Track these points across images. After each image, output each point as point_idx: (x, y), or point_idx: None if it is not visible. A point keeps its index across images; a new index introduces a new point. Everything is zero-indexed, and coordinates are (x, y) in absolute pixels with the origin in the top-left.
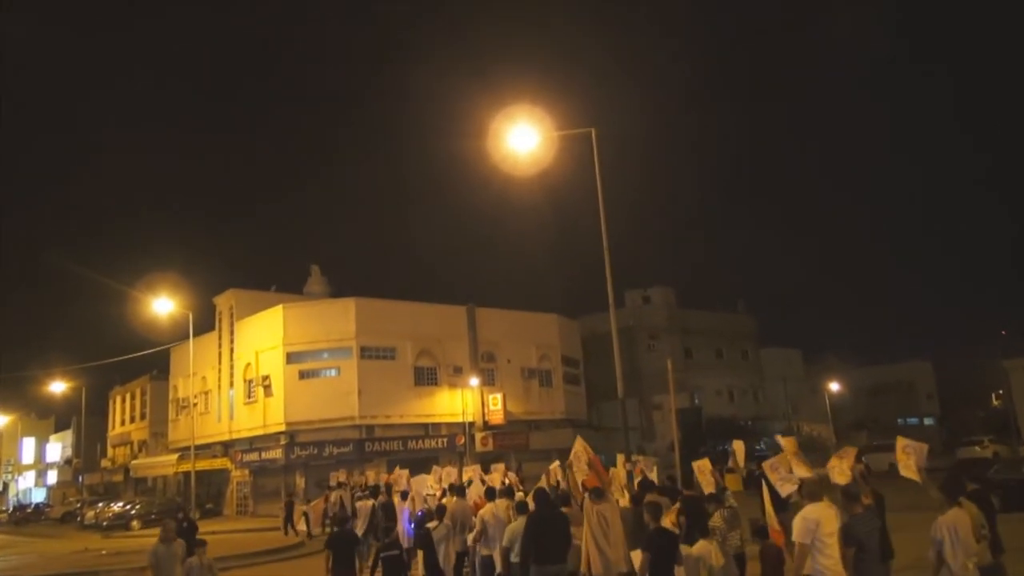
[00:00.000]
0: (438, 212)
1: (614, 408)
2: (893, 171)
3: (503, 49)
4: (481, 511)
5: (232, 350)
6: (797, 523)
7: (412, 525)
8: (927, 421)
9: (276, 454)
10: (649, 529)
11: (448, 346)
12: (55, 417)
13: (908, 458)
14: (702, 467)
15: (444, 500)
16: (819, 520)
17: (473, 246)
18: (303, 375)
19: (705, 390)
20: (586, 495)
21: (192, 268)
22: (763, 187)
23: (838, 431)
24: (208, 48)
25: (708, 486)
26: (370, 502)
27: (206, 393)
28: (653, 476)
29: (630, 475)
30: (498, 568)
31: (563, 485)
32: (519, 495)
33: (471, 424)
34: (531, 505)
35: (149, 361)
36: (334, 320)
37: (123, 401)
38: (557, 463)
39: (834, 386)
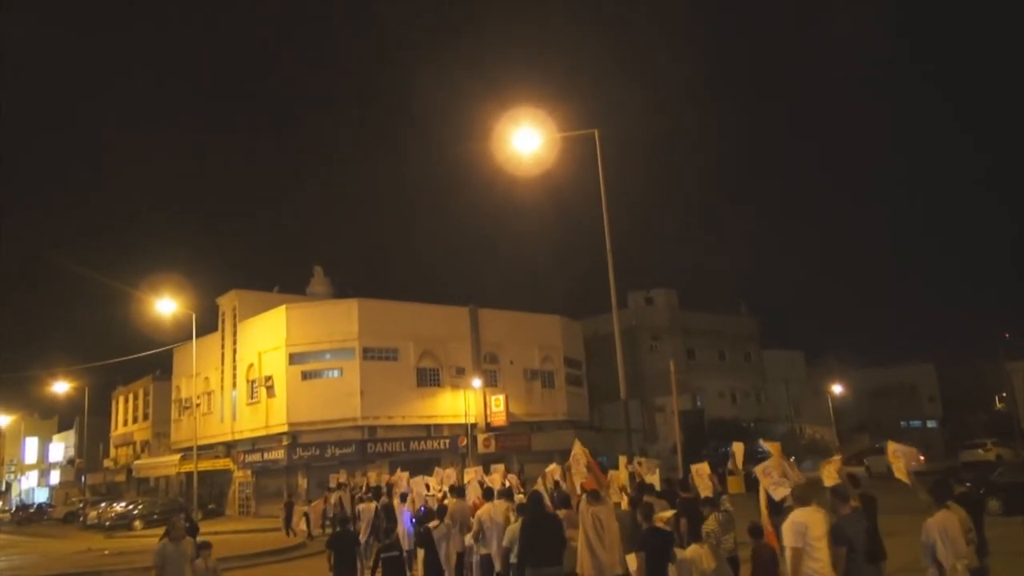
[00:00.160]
0: (441, 213)
1: (616, 409)
2: (893, 171)
3: (506, 51)
4: (478, 512)
5: (235, 351)
6: (786, 528)
7: (414, 523)
8: (930, 424)
9: (278, 455)
10: (642, 530)
11: (451, 347)
12: (58, 417)
13: (899, 461)
14: (700, 470)
15: (445, 501)
16: (807, 524)
17: (476, 247)
18: (306, 376)
19: (707, 392)
20: (583, 497)
21: (195, 269)
22: (764, 188)
23: (840, 433)
24: (209, 48)
25: (705, 489)
26: (373, 504)
27: (209, 393)
28: (654, 479)
29: (632, 477)
30: (497, 567)
31: (563, 486)
32: (519, 497)
33: (473, 425)
34: None
35: (152, 361)
36: (337, 321)
37: (126, 401)
38: (555, 465)
39: (836, 388)
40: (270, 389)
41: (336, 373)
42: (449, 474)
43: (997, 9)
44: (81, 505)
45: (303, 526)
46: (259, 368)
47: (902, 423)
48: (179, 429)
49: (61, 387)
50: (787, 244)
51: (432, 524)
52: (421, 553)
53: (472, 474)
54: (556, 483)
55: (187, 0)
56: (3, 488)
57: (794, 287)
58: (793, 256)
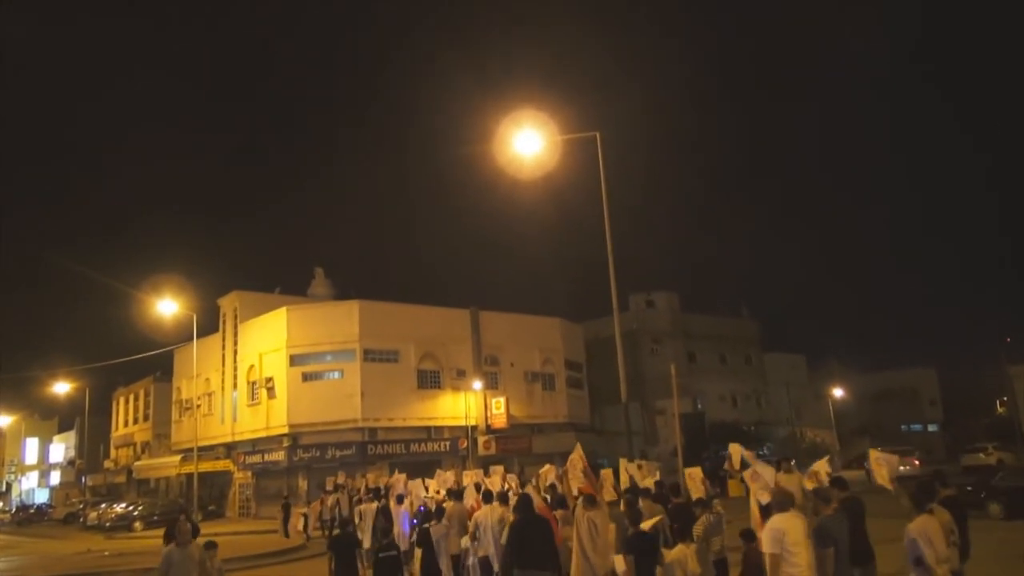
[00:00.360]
0: (442, 215)
1: (617, 412)
2: (893, 171)
3: (507, 52)
4: (476, 514)
5: (236, 352)
6: (765, 534)
7: (415, 523)
8: (931, 428)
9: (279, 456)
10: (628, 533)
11: (451, 349)
12: (59, 418)
13: (881, 468)
14: (693, 474)
15: (443, 504)
16: (785, 530)
17: (477, 249)
18: (306, 377)
19: (708, 395)
20: (579, 501)
21: (196, 270)
22: (765, 190)
23: (841, 437)
24: (210, 48)
25: (697, 492)
26: (374, 505)
27: (209, 395)
28: (648, 482)
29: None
30: (495, 567)
31: (559, 488)
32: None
33: (474, 428)
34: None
35: (153, 362)
36: (337, 322)
37: (127, 402)
38: (549, 466)
39: (837, 392)
40: (271, 390)
41: (337, 375)
42: (448, 477)
43: (997, 9)
44: (81, 506)
45: (301, 527)
46: (260, 369)
47: (903, 427)
48: (180, 430)
49: (62, 388)
50: (788, 247)
51: (431, 525)
52: (418, 553)
53: (471, 477)
54: (552, 485)
55: (187, 0)
56: (3, 489)
57: (795, 290)
58: (794, 259)
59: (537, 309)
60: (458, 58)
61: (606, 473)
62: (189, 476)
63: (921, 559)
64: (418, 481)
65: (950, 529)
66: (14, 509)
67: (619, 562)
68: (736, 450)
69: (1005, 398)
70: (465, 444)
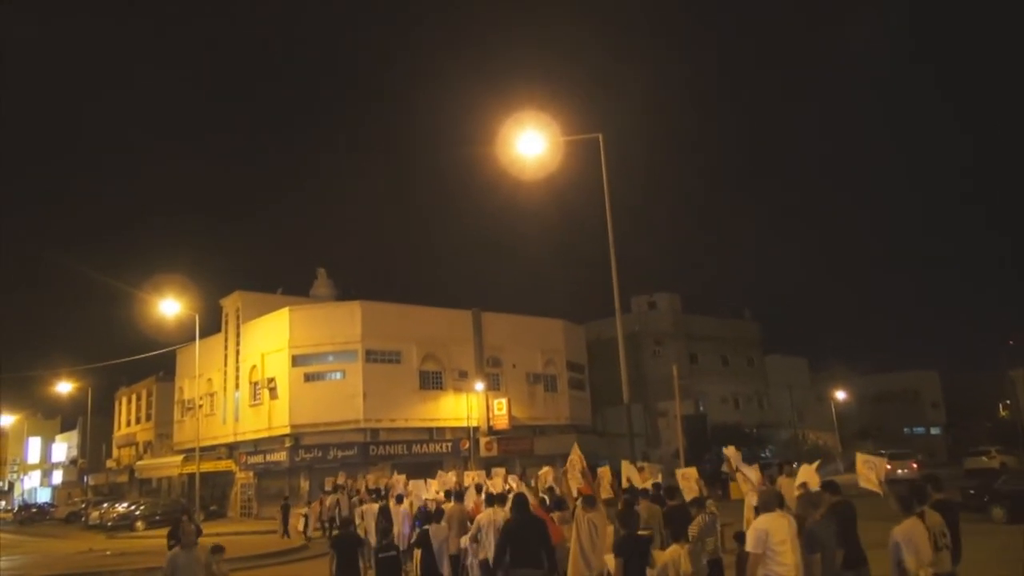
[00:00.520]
0: (445, 216)
1: (619, 414)
2: (894, 172)
3: (510, 54)
4: (478, 516)
5: (238, 352)
6: (749, 534)
7: (418, 524)
8: (933, 430)
9: (281, 456)
10: (619, 535)
11: (453, 350)
12: (61, 417)
13: (869, 472)
14: (687, 474)
15: (443, 504)
16: (769, 530)
17: (479, 250)
18: (308, 378)
19: (710, 397)
20: (578, 503)
21: (199, 270)
22: (767, 191)
23: (843, 439)
24: (213, 48)
25: (691, 492)
26: (377, 505)
27: (212, 395)
28: (648, 484)
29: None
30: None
31: (558, 490)
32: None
33: (476, 429)
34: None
35: (155, 362)
36: (340, 323)
37: (129, 402)
38: (548, 468)
39: (840, 394)
40: (273, 391)
41: (339, 375)
42: (450, 478)
43: (998, 10)
44: (83, 505)
45: (301, 527)
46: (262, 370)
47: (905, 429)
48: (182, 430)
49: (64, 387)
50: (790, 248)
51: (430, 526)
52: (417, 553)
53: (473, 478)
54: (550, 488)
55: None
56: (6, 488)
57: (797, 292)
58: (796, 260)
59: (539, 310)
60: (459, 58)
61: (603, 471)
62: (191, 476)
63: (901, 562)
64: (421, 482)
65: (942, 532)
66: (16, 508)
67: (609, 560)
68: (732, 453)
69: (1008, 401)
70: (467, 445)
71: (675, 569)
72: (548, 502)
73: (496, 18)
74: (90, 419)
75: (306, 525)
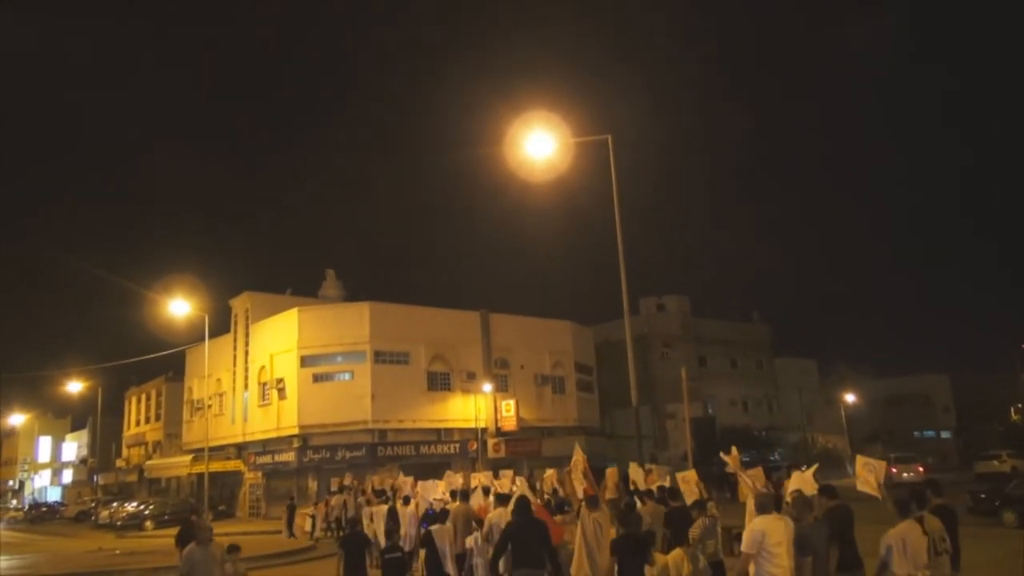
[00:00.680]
0: (453, 217)
1: (627, 416)
2: (895, 173)
3: (519, 55)
4: (489, 515)
5: (247, 352)
6: (745, 534)
7: (424, 525)
8: (944, 434)
9: (289, 457)
10: (619, 534)
11: (462, 351)
12: (71, 417)
13: (868, 475)
14: (687, 477)
15: (448, 505)
16: (765, 531)
17: (487, 252)
18: (317, 378)
19: (719, 399)
20: (583, 504)
21: (208, 271)
22: (776, 193)
23: (853, 443)
24: (218, 49)
25: (691, 495)
26: (386, 506)
27: (220, 395)
28: (654, 486)
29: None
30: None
31: (561, 491)
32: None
33: (484, 430)
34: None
35: (165, 362)
36: (348, 324)
37: (138, 402)
38: (552, 470)
39: (850, 397)
40: (281, 391)
41: (347, 376)
42: (457, 479)
43: (1000, 12)
44: (93, 504)
45: (308, 528)
46: (271, 370)
47: (916, 433)
48: (191, 430)
49: (75, 387)
50: (800, 251)
51: (434, 527)
52: (422, 554)
53: (480, 479)
54: (554, 490)
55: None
56: (16, 487)
57: (806, 294)
58: (805, 263)
59: (547, 312)
60: (465, 59)
61: (611, 472)
62: (200, 476)
63: (887, 565)
64: (431, 482)
65: (941, 537)
66: (27, 507)
67: (604, 558)
68: (730, 458)
69: (1020, 405)
70: (475, 446)
71: (676, 570)
72: (552, 503)
73: (501, 19)
74: (100, 419)
75: (313, 525)
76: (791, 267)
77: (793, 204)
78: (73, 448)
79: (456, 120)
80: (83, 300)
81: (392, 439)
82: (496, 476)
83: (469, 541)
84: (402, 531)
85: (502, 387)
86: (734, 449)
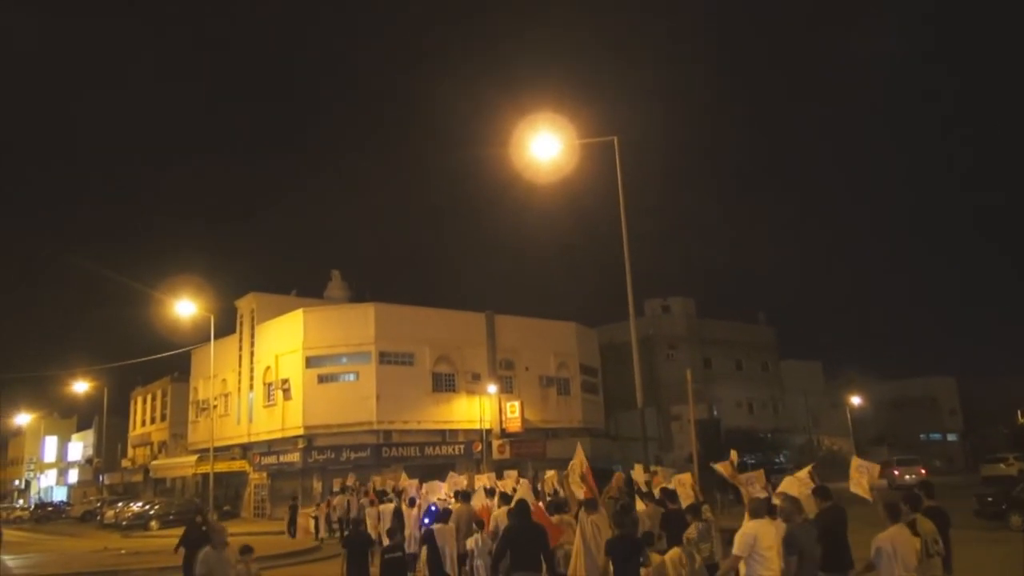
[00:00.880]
0: (459, 218)
1: (632, 418)
2: (913, 181)
3: (525, 56)
4: (495, 513)
5: (252, 353)
6: (737, 537)
7: (423, 521)
8: (950, 437)
9: (294, 457)
10: (614, 536)
11: (466, 353)
12: (77, 417)
13: (861, 477)
14: (682, 480)
15: (451, 505)
16: (756, 535)
17: (493, 253)
18: (322, 379)
19: (724, 401)
20: (581, 506)
21: (214, 271)
22: (783, 194)
23: (859, 445)
24: (222, 49)
25: (686, 498)
26: (391, 506)
27: (226, 395)
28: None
29: (648, 484)
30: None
31: (561, 493)
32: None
33: (488, 431)
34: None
35: (170, 363)
36: (353, 325)
37: (144, 402)
38: (553, 472)
39: (855, 400)
40: (286, 392)
41: (352, 377)
42: (461, 480)
43: (1001, 12)
44: (98, 504)
45: (312, 528)
46: (276, 371)
47: (922, 436)
48: (196, 430)
49: (81, 387)
50: (806, 253)
51: (436, 527)
52: (424, 552)
53: (484, 480)
54: (555, 490)
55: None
56: (22, 486)
57: (812, 296)
58: (811, 264)
59: (552, 313)
60: (474, 60)
61: (617, 476)
62: (205, 476)
63: (876, 568)
64: (434, 483)
65: (934, 539)
66: (32, 507)
67: (602, 560)
68: (722, 467)
69: None
70: (479, 448)
71: (674, 570)
72: (551, 505)
73: (507, 21)
74: (106, 419)
75: (316, 526)
76: (797, 268)
77: (796, 205)
78: (79, 448)
79: (462, 121)
80: (89, 300)
81: (397, 440)
82: (500, 477)
83: (470, 543)
84: (407, 532)
85: (507, 388)
86: (732, 454)
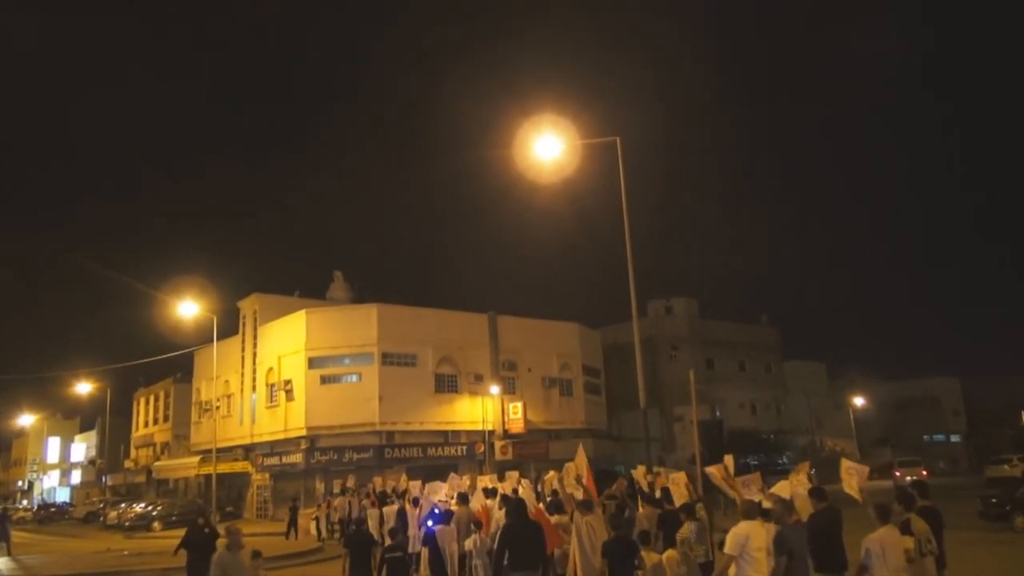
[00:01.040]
0: (462, 219)
1: (635, 418)
2: (913, 181)
3: (527, 57)
4: (495, 515)
5: (255, 354)
6: (729, 537)
7: (423, 521)
8: (953, 438)
9: (296, 458)
10: (611, 536)
11: (469, 354)
12: (80, 418)
13: (851, 478)
14: (676, 480)
15: (452, 507)
16: (748, 535)
17: (495, 253)
18: (324, 380)
19: (727, 402)
20: (576, 507)
21: (216, 272)
22: (785, 195)
23: (862, 446)
24: (225, 50)
25: (680, 498)
26: (396, 507)
27: (229, 396)
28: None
29: (651, 486)
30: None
31: (561, 494)
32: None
33: (491, 432)
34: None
35: (173, 364)
36: (356, 326)
37: (147, 403)
38: (554, 473)
39: (858, 401)
40: (289, 393)
41: (355, 378)
42: (464, 481)
43: (1001, 12)
44: (101, 505)
45: (313, 530)
46: (278, 372)
47: (925, 437)
48: (199, 431)
49: (84, 388)
50: (806, 253)
51: (438, 527)
52: (425, 552)
53: (486, 482)
54: (554, 491)
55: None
56: (25, 487)
57: (815, 297)
58: (812, 265)
59: (555, 314)
60: (476, 61)
61: (619, 483)
62: (207, 477)
63: (867, 568)
64: (436, 484)
65: (927, 539)
66: (35, 507)
67: (598, 560)
68: (713, 470)
69: None
70: (482, 449)
71: (671, 570)
72: (550, 505)
73: (510, 21)
74: (108, 420)
75: (318, 527)
76: (797, 269)
77: (796, 205)
78: (82, 449)
79: (463, 121)
80: (92, 301)
81: (399, 441)
82: (501, 478)
83: (469, 543)
84: (410, 532)
85: (509, 389)
86: (728, 459)
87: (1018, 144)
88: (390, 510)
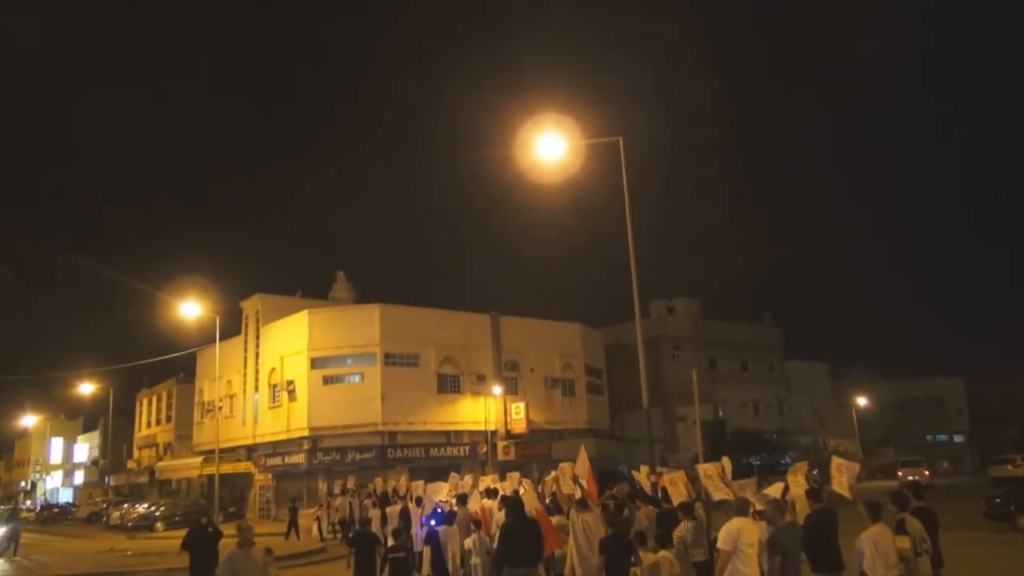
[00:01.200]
0: (464, 219)
1: (637, 418)
2: (913, 181)
3: (531, 58)
4: (496, 516)
5: (257, 354)
6: (722, 533)
7: (432, 523)
8: (957, 438)
9: (299, 459)
10: (608, 534)
11: (472, 354)
12: (83, 418)
13: (841, 476)
14: (674, 479)
15: (454, 507)
16: (740, 531)
17: (498, 254)
18: (327, 380)
19: (730, 402)
20: (572, 505)
21: (219, 273)
22: (788, 196)
23: (865, 446)
24: (226, 50)
25: (678, 497)
26: (399, 507)
27: (231, 397)
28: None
29: (655, 486)
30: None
31: (559, 494)
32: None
33: (493, 433)
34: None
35: (176, 364)
36: (359, 326)
37: (150, 403)
38: (553, 472)
39: (861, 400)
40: (292, 393)
41: (357, 378)
42: (466, 481)
43: (1002, 12)
44: (104, 505)
45: (316, 531)
46: (281, 372)
47: (928, 437)
48: (201, 432)
49: (87, 388)
50: (806, 253)
51: (441, 527)
52: (427, 552)
53: (487, 482)
54: (554, 492)
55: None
56: (28, 487)
57: (818, 297)
58: (812, 265)
59: (557, 314)
60: (479, 61)
61: (620, 487)
62: (210, 477)
63: (859, 566)
64: (438, 484)
65: (922, 538)
66: (38, 508)
67: (595, 558)
68: (705, 469)
69: None
70: (484, 449)
71: (667, 570)
72: (549, 505)
73: (512, 22)
74: (111, 420)
75: (320, 527)
76: (797, 269)
77: (796, 205)
78: (85, 449)
79: (465, 121)
80: (94, 302)
81: (402, 441)
82: (503, 478)
83: (468, 542)
84: (413, 531)
85: (512, 390)
86: (725, 460)
87: (1018, 144)
88: (393, 510)
